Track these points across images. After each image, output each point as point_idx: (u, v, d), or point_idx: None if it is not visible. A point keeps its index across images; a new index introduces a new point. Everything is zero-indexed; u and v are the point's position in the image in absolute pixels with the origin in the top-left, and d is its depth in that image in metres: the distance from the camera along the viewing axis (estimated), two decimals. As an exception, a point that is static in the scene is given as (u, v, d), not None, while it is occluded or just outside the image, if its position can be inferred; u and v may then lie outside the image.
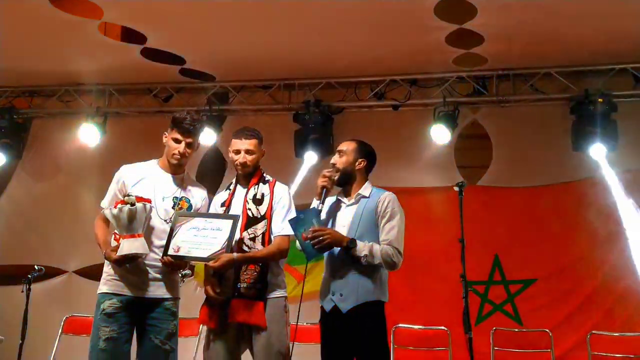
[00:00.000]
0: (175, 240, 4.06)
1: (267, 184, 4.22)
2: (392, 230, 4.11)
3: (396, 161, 7.31)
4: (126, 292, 4.07)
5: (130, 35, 6.79)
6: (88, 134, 8.02)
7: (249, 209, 4.13)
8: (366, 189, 4.28)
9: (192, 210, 4.24)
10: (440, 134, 7.32)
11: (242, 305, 4.00)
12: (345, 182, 4.28)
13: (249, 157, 4.19)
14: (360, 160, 4.30)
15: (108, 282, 4.12)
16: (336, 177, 4.23)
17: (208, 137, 7.83)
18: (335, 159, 4.29)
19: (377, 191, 4.29)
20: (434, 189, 7.45)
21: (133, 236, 3.96)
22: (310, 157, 7.59)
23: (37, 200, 8.51)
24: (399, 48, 6.92)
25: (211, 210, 4.32)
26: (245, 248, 4.05)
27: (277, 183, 4.26)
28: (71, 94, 8.37)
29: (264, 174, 4.28)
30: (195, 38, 6.86)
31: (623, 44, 6.73)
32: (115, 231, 4.11)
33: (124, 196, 4.02)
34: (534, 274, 7.10)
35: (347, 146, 4.32)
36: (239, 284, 4.04)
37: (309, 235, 4.00)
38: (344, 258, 4.09)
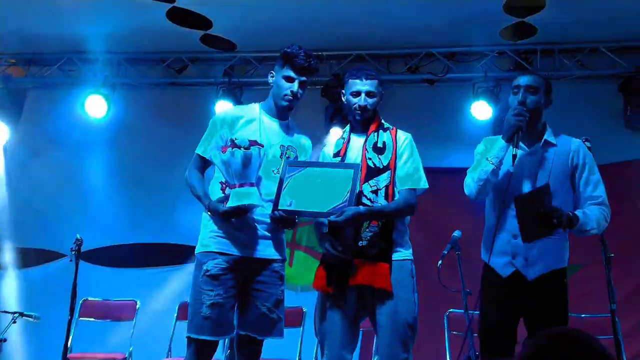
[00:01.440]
0: (286, 193, 3.52)
1: (389, 131, 3.72)
2: (599, 185, 3.66)
3: (432, 139, 6.83)
4: (233, 251, 3.53)
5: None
6: (95, 106, 7.35)
7: (370, 159, 3.61)
8: (550, 134, 3.74)
9: None
10: (481, 111, 6.94)
11: (365, 266, 3.48)
12: (530, 126, 3.67)
13: (370, 100, 3.68)
14: (548, 98, 3.75)
15: (212, 239, 3.57)
16: (529, 118, 3.64)
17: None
18: (525, 96, 3.66)
19: (563, 137, 3.78)
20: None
21: (249, 185, 3.42)
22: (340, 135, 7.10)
23: (32, 178, 7.76)
24: (437, 19, 6.56)
25: None
26: (367, 202, 3.53)
27: (399, 131, 3.76)
28: (74, 62, 7.67)
29: (383, 121, 3.79)
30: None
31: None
32: (221, 180, 3.57)
33: (234, 139, 3.48)
34: (581, 259, 6.74)
35: (538, 81, 3.73)
36: (360, 242, 3.52)
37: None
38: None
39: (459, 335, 6.02)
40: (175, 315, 6.52)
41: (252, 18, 6.75)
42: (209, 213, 3.55)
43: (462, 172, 7.18)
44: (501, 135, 3.66)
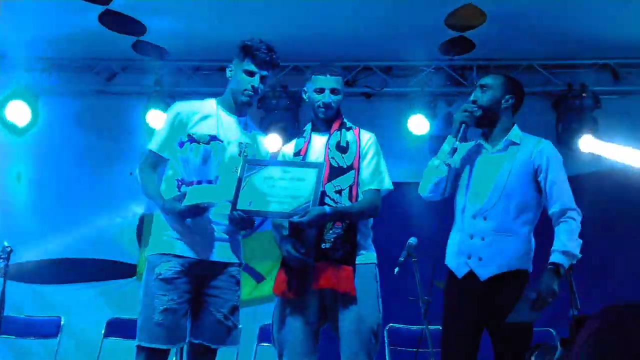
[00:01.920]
0: (245, 192, 3.34)
1: (352, 130, 3.60)
2: (564, 191, 3.57)
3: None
4: (188, 253, 3.32)
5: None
6: (17, 114, 6.95)
7: (332, 158, 3.48)
8: (515, 134, 3.68)
9: None
10: (418, 125, 6.92)
11: (328, 269, 3.33)
12: (488, 124, 3.66)
13: (334, 98, 3.55)
14: (508, 97, 3.69)
15: (165, 241, 3.35)
16: (478, 115, 3.62)
17: (160, 121, 7.05)
18: (476, 95, 3.66)
19: (528, 137, 3.71)
20: (410, 184, 7.00)
21: (204, 182, 3.23)
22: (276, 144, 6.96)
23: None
24: (376, 32, 6.53)
25: None
26: (330, 202, 3.39)
27: (362, 130, 3.65)
28: (-5, 66, 7.26)
29: (345, 119, 3.66)
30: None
31: (605, 39, 6.66)
32: (178, 178, 3.36)
33: (192, 134, 3.28)
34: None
35: (493, 80, 3.71)
36: (324, 244, 3.37)
37: None
38: (488, 213, 3.52)
39: (402, 350, 5.92)
40: (103, 332, 6.17)
41: (188, 25, 6.56)
42: (164, 212, 3.32)
43: (398, 186, 7.14)
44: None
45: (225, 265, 3.41)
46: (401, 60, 7.16)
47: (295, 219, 3.25)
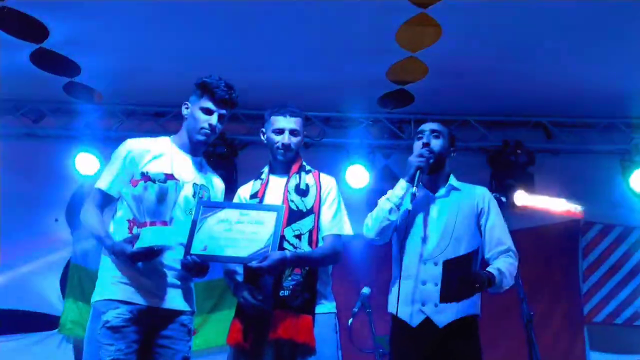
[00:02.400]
0: (200, 236, 3.17)
1: (311, 174, 3.49)
2: (504, 231, 3.60)
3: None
4: (138, 299, 3.11)
5: (30, 27, 5.62)
6: None
7: (292, 201, 3.36)
8: (454, 181, 3.69)
9: None
10: (356, 178, 6.89)
11: (287, 318, 3.17)
12: (435, 170, 3.64)
13: (294, 139, 3.45)
14: (452, 147, 3.73)
15: (113, 285, 3.13)
16: (431, 161, 3.57)
17: (90, 166, 6.81)
18: (429, 139, 3.62)
19: (465, 184, 3.73)
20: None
21: (160, 223, 3.04)
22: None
23: None
24: (316, 81, 6.50)
25: None
26: (289, 247, 3.26)
27: (322, 174, 3.54)
28: None
29: (304, 162, 3.55)
30: (101, 39, 5.91)
31: (538, 98, 6.82)
32: (129, 218, 3.16)
33: (145, 172, 3.10)
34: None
35: (442, 127, 3.71)
36: (282, 292, 3.21)
37: None
38: (437, 258, 3.44)
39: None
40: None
41: (123, 67, 6.36)
42: (112, 255, 3.10)
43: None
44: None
45: (177, 313, 3.21)
46: (340, 112, 7.14)
47: (254, 264, 3.09)
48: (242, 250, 3.13)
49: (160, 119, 7.16)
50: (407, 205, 3.48)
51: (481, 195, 3.71)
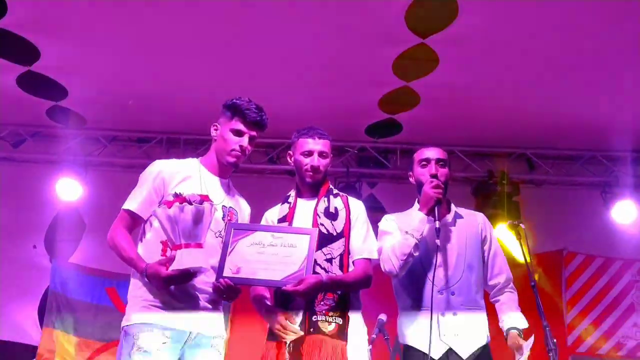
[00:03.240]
0: (232, 259, 3.09)
1: (339, 197, 3.45)
2: (504, 261, 3.61)
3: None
4: (171, 324, 3.01)
5: (23, 49, 5.50)
6: None
7: (322, 224, 3.31)
8: (456, 208, 3.68)
9: None
10: (343, 205, 6.86)
11: (321, 344, 3.10)
12: (443, 199, 3.59)
13: (323, 162, 3.41)
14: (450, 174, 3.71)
15: (145, 308, 3.03)
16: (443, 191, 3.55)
17: (71, 191, 6.66)
18: (436, 169, 3.59)
19: (464, 210, 3.74)
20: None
21: (195, 245, 2.96)
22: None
23: None
24: (303, 109, 6.49)
25: None
26: (321, 271, 3.20)
27: (350, 197, 3.50)
28: None
29: (332, 186, 3.51)
30: (89, 64, 5.84)
31: (522, 130, 6.92)
32: (162, 240, 3.07)
33: (179, 194, 3.02)
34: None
35: (444, 155, 3.67)
36: (315, 317, 3.15)
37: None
38: (454, 287, 3.42)
39: None
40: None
41: (108, 91, 6.27)
42: (145, 278, 3.00)
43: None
44: (418, 208, 3.54)
45: (209, 338, 3.11)
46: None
47: (290, 287, 3.02)
48: (276, 274, 3.07)
49: (143, 144, 7.05)
50: (429, 238, 3.47)
51: (482, 221, 3.73)
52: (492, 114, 6.54)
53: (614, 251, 7.08)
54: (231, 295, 3.08)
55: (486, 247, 3.65)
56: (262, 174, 7.19)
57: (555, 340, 3.44)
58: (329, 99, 6.29)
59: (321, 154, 3.41)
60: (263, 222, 3.49)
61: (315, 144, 3.41)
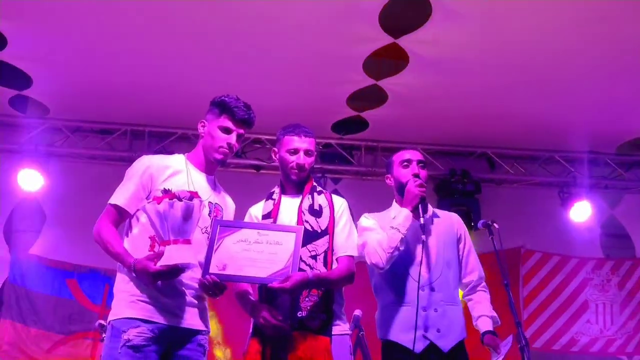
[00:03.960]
0: (218, 255, 3.10)
1: (323, 194, 3.48)
2: (477, 260, 3.69)
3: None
4: (158, 318, 3.00)
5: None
6: None
7: (307, 222, 3.33)
8: (430, 208, 3.72)
9: None
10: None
11: (306, 339, 3.14)
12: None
13: (309, 160, 3.44)
14: None
15: (133, 304, 3.00)
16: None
17: (32, 182, 6.56)
18: (418, 169, 3.63)
19: (440, 211, 3.80)
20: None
21: (184, 242, 2.97)
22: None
23: None
24: (270, 104, 6.51)
25: None
26: (306, 267, 3.23)
27: (333, 195, 3.54)
28: None
29: (315, 183, 3.55)
30: (56, 53, 5.76)
31: (484, 130, 7.07)
32: (151, 235, 3.05)
33: (168, 189, 3.02)
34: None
35: (424, 157, 3.75)
36: (299, 312, 3.19)
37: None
38: (435, 284, 3.49)
39: None
40: None
41: (74, 81, 6.20)
42: (133, 273, 2.99)
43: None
44: (402, 206, 3.58)
45: (195, 332, 3.12)
46: (291, 135, 7.13)
47: (276, 284, 3.05)
48: (262, 271, 3.08)
49: (107, 136, 6.98)
50: (413, 235, 3.53)
51: (457, 221, 3.81)
52: (456, 114, 6.67)
53: (569, 250, 7.30)
54: (217, 291, 3.08)
55: (461, 246, 3.73)
56: (226, 168, 7.16)
57: (527, 337, 3.57)
58: (298, 95, 6.33)
59: (307, 152, 3.44)
60: (247, 219, 3.50)
61: (302, 142, 3.44)
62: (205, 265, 3.07)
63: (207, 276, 3.04)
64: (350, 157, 7.28)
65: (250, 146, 7.17)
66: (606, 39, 5.40)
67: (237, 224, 3.27)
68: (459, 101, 6.42)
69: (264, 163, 7.12)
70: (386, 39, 5.41)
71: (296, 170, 3.42)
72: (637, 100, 6.34)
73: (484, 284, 3.75)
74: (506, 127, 6.94)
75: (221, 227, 3.17)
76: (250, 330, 3.29)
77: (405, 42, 5.44)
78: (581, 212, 7.14)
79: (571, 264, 7.25)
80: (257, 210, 3.49)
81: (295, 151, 3.42)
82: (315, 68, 5.93)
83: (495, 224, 3.89)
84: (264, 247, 3.13)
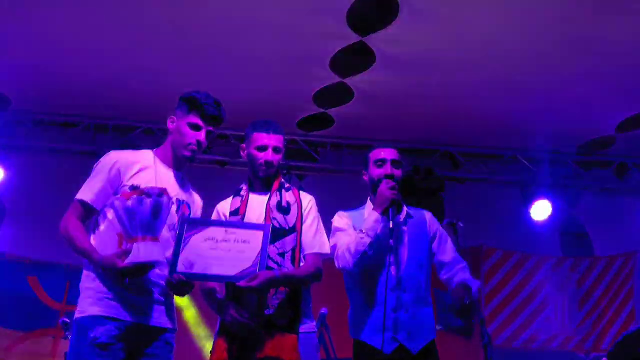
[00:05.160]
0: (185, 254, 3.08)
1: (290, 191, 3.47)
2: (456, 252, 3.73)
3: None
4: (124, 316, 2.98)
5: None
6: None
7: (274, 219, 3.33)
8: (405, 208, 3.74)
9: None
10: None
11: (273, 337, 3.14)
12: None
13: (277, 157, 3.43)
14: None
15: (99, 301, 2.98)
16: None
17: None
18: (391, 170, 3.66)
19: (412, 208, 3.81)
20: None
21: (152, 239, 2.95)
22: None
23: None
24: (236, 99, 6.48)
25: None
26: (273, 265, 3.24)
27: (301, 191, 3.53)
28: None
29: (282, 180, 3.54)
30: (17, 41, 5.65)
31: (448, 128, 7.13)
32: (118, 232, 3.03)
33: (137, 185, 3.00)
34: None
35: (399, 156, 3.74)
36: (267, 310, 3.18)
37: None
38: (406, 285, 3.51)
39: None
40: None
41: (36, 72, 6.10)
42: (100, 269, 2.97)
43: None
44: (373, 208, 3.59)
45: (162, 330, 3.11)
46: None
47: (243, 283, 3.05)
48: (229, 269, 3.07)
49: (70, 129, 6.89)
50: (384, 238, 3.50)
51: (430, 218, 3.83)
52: (420, 112, 6.72)
53: (530, 247, 7.40)
54: (184, 290, 3.08)
55: (435, 244, 3.75)
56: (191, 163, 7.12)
57: (490, 334, 3.61)
58: (264, 91, 6.31)
59: (275, 149, 3.43)
60: (214, 215, 3.49)
61: (270, 139, 3.42)
62: (172, 264, 3.05)
63: (174, 275, 3.03)
64: (315, 154, 7.27)
65: (215, 141, 7.11)
66: (569, 39, 5.48)
67: (205, 221, 3.27)
68: (424, 99, 6.47)
69: (229, 159, 7.08)
70: (353, 37, 5.42)
71: (264, 167, 3.41)
72: (599, 100, 6.44)
73: (465, 265, 3.75)
74: (470, 126, 7.00)
75: (188, 224, 3.17)
76: (217, 329, 3.28)
77: (372, 40, 5.47)
78: (541, 210, 7.24)
79: (532, 261, 7.37)
80: (224, 207, 3.47)
81: (264, 148, 3.41)
82: (282, 64, 5.92)
83: (460, 223, 3.93)
84: (232, 245, 3.13)
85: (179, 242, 3.09)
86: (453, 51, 5.69)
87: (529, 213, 7.27)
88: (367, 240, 3.49)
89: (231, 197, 3.51)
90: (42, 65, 6.01)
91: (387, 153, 3.76)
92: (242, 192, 3.48)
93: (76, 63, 5.94)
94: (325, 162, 7.27)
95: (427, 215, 3.86)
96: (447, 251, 3.77)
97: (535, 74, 6.03)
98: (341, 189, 7.13)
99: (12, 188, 6.65)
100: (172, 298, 3.21)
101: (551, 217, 7.28)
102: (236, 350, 3.14)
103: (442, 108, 6.65)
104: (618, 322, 7.30)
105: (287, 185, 3.52)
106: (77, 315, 3.01)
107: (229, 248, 3.12)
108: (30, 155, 6.82)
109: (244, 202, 3.41)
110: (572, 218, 7.67)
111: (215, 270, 3.08)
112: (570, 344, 7.32)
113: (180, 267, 3.05)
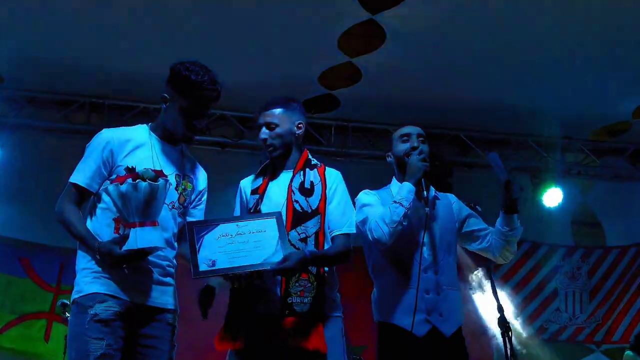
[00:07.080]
0: (203, 254, 2.87)
1: (316, 169, 3.21)
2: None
3: (221, 208, 6.43)
4: (122, 295, 2.77)
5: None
6: None
7: (296, 201, 3.09)
8: (432, 188, 3.53)
9: (196, 195, 3.10)
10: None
11: (297, 325, 2.94)
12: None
13: (272, 133, 3.15)
14: None
15: (96, 279, 2.76)
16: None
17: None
18: (417, 143, 3.44)
19: (439, 193, 3.62)
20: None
21: (150, 224, 2.72)
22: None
23: None
24: (240, 80, 6.26)
25: (241, 199, 3.26)
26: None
27: (327, 168, 3.27)
28: None
29: (310, 156, 3.28)
30: (8, 18, 5.46)
31: (457, 112, 6.91)
32: (115, 217, 2.80)
33: (132, 168, 2.76)
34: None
35: (424, 132, 3.52)
36: (290, 298, 2.97)
37: None
38: (438, 266, 3.33)
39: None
40: None
41: (28, 49, 5.87)
42: (98, 255, 2.74)
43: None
44: (405, 180, 3.37)
45: (162, 311, 2.89)
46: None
47: (274, 266, 2.84)
48: (252, 259, 2.89)
49: (64, 108, 6.65)
50: (417, 209, 3.33)
51: (456, 201, 3.64)
52: (429, 96, 6.54)
53: (541, 236, 7.19)
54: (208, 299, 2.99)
55: (465, 225, 3.56)
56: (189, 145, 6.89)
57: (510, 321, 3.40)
58: (267, 72, 6.10)
59: (268, 126, 3.16)
60: (237, 192, 3.30)
61: (263, 117, 3.18)
62: (193, 267, 2.84)
63: (197, 277, 2.85)
64: (320, 137, 7.04)
65: (215, 123, 6.87)
66: (583, 24, 5.35)
67: (211, 221, 3.04)
68: (433, 82, 6.30)
69: (229, 140, 6.85)
70: (364, 15, 5.19)
71: (265, 148, 3.18)
72: (612, 86, 6.26)
73: None
74: (479, 110, 6.79)
75: (196, 228, 2.96)
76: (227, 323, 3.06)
77: (383, 18, 5.23)
78: (553, 198, 7.03)
79: (542, 250, 7.16)
80: (246, 184, 3.27)
81: (259, 127, 3.18)
82: (288, 45, 5.70)
83: (478, 207, 3.73)
84: (247, 237, 2.93)
85: (193, 247, 2.88)
86: (464, 33, 5.53)
87: (539, 200, 7.05)
88: (402, 210, 3.24)
89: (254, 174, 3.27)
90: (36, 42, 5.80)
91: (411, 128, 3.57)
92: (266, 171, 3.24)
93: (71, 40, 5.74)
94: (330, 144, 7.03)
95: (452, 197, 3.67)
96: (481, 225, 3.60)
97: (549, 58, 5.87)
98: (347, 172, 6.89)
99: (5, 167, 6.43)
100: (174, 278, 2.99)
101: (562, 205, 7.07)
102: (256, 337, 2.95)
103: (452, 91, 6.45)
104: (630, 314, 7.12)
105: (314, 162, 3.24)
106: (75, 296, 2.80)
107: (245, 240, 2.92)
108: (23, 134, 6.58)
109: (265, 182, 3.19)
110: (584, 206, 7.45)
111: (240, 262, 2.88)
112: (581, 336, 7.14)
113: (202, 267, 2.85)
